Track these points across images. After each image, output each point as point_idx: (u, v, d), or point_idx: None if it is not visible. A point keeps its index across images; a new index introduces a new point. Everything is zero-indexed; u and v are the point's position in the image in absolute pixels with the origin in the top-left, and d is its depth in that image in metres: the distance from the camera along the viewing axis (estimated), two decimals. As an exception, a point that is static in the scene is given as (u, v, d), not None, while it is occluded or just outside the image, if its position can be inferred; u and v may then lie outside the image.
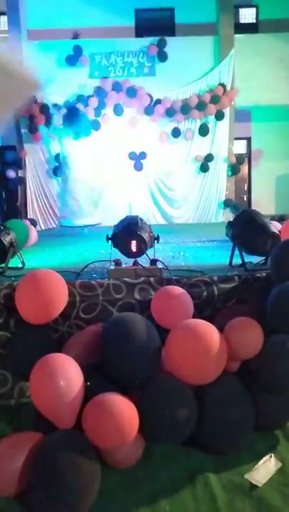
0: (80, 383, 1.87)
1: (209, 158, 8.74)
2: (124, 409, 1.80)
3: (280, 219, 5.45)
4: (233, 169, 8.92)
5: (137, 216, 3.00)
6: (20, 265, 3.22)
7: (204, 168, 8.78)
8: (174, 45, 8.61)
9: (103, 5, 9.05)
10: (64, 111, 8.18)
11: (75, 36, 8.96)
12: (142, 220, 2.94)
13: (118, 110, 8.48)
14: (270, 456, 2.01)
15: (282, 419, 2.20)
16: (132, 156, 8.73)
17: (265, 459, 2.00)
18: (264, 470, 1.93)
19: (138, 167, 8.74)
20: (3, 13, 8.97)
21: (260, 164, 9.85)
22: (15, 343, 2.40)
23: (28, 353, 2.23)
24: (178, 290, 2.36)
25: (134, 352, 2.00)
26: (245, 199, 10.05)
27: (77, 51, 8.54)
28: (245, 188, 10.09)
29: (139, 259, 2.84)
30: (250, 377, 2.10)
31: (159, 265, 2.76)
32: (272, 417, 2.15)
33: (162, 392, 1.94)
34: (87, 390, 1.91)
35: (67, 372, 1.84)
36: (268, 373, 2.02)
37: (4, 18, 9.02)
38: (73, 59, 8.58)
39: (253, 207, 8.83)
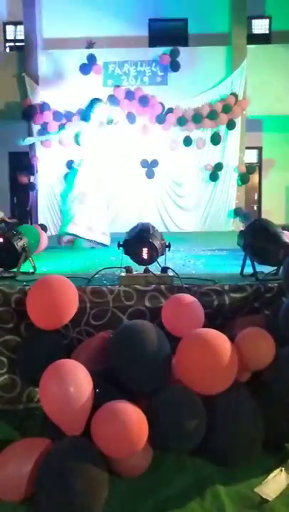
0: (90, 390, 1.86)
1: (219, 167, 8.75)
2: (133, 418, 1.79)
3: (291, 229, 5.41)
4: (243, 178, 8.92)
5: (149, 223, 3.01)
6: (31, 270, 3.25)
7: (214, 176, 8.80)
8: (186, 54, 8.69)
9: (117, 15, 9.20)
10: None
11: (89, 45, 9.10)
12: (153, 227, 2.95)
13: (130, 118, 8.56)
14: (281, 470, 1.97)
15: (293, 432, 2.16)
16: (144, 163, 8.78)
17: (275, 472, 1.96)
18: (274, 484, 1.90)
19: (150, 175, 8.79)
20: (21, 23, 9.16)
21: (270, 174, 9.83)
22: (25, 347, 2.41)
23: (37, 358, 2.24)
24: (189, 298, 2.35)
25: (143, 360, 1.99)
26: (255, 208, 10.02)
27: (91, 60, 8.67)
28: (256, 198, 10.07)
29: (149, 267, 2.84)
30: (261, 389, 2.08)
31: (170, 273, 2.75)
32: (283, 429, 2.12)
33: (171, 402, 1.92)
34: (96, 397, 1.90)
35: (77, 379, 1.83)
36: (279, 384, 2.00)
37: (21, 28, 9.21)
38: (87, 67, 8.70)
39: (263, 216, 8.79)
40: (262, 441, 2.05)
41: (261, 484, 1.89)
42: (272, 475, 1.94)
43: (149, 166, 8.73)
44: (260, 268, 2.94)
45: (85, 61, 8.67)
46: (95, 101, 5.99)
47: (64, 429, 1.85)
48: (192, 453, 2.00)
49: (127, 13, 9.24)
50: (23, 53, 8.87)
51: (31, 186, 8.64)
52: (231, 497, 1.82)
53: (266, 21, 9.61)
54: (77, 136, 5.95)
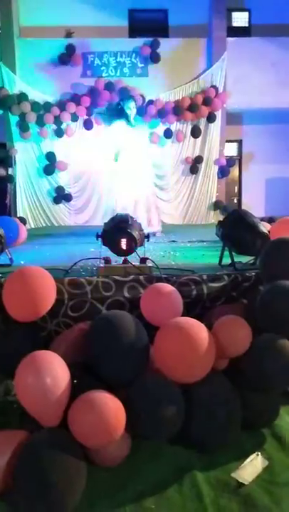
0: (67, 381, 1.84)
1: (199, 160, 8.77)
2: (110, 407, 1.78)
3: (270, 221, 5.49)
4: (224, 171, 8.97)
5: (128, 214, 3.00)
6: (8, 262, 3.19)
7: (194, 169, 8.81)
8: (166, 46, 8.61)
9: (97, 4, 9.01)
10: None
11: (68, 35, 8.91)
12: (132, 218, 2.94)
13: (110, 110, 8.46)
14: (257, 455, 2.01)
15: (269, 417, 2.21)
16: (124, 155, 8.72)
17: (252, 457, 2.00)
18: (251, 468, 1.93)
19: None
20: (-5, 10, 8.88)
21: (250, 167, 9.92)
22: (1, 340, 2.36)
23: (14, 350, 2.20)
24: (168, 288, 2.35)
25: (121, 350, 1.98)
26: (235, 201, 10.10)
27: (70, 50, 8.49)
28: (236, 190, 10.15)
29: (129, 258, 2.82)
30: (238, 376, 2.10)
31: (149, 263, 2.75)
32: (260, 415, 2.16)
33: (149, 390, 1.93)
34: (74, 389, 1.88)
35: (54, 370, 1.81)
36: (256, 371, 2.03)
37: (-4, 15, 8.93)
38: (66, 58, 8.52)
39: (244, 209, 8.88)
40: (239, 426, 2.08)
41: (238, 469, 1.93)
42: (248, 460, 1.98)
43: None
44: (238, 258, 2.97)
45: (64, 51, 8.49)
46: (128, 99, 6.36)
47: (41, 421, 1.83)
48: (171, 441, 2.02)
49: (107, 3, 9.06)
50: (0, 41, 8.63)
51: (9, 178, 8.45)
52: (209, 482, 1.85)
53: (246, 14, 9.62)
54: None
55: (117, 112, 7.53)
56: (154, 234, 5.82)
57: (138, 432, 1.94)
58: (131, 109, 6.34)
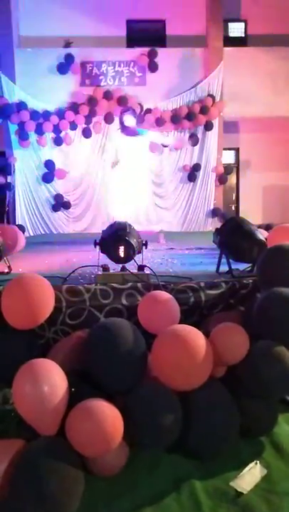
0: (64, 389, 1.84)
1: (197, 167, 8.83)
2: (108, 416, 1.77)
3: (267, 228, 5.52)
4: (221, 179, 9.03)
5: (126, 222, 3.01)
6: (6, 270, 3.19)
7: (192, 177, 8.87)
8: (164, 55, 8.72)
9: (95, 15, 9.13)
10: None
11: (67, 45, 9.02)
12: (130, 225, 2.95)
13: (109, 119, 8.53)
14: (256, 463, 2.00)
15: (267, 425, 2.20)
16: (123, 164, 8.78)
17: (250, 465, 1.99)
18: (249, 477, 1.92)
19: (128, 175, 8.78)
20: (-5, 20, 8.99)
21: (248, 174, 9.99)
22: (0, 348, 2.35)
23: (12, 358, 2.19)
24: (165, 295, 2.36)
25: (119, 358, 1.98)
26: (233, 208, 10.15)
27: (69, 59, 8.59)
28: (234, 198, 10.20)
29: (126, 265, 2.83)
30: (236, 383, 2.10)
31: (147, 271, 2.76)
32: (258, 423, 2.15)
33: (147, 398, 1.92)
34: (72, 397, 1.88)
35: (52, 378, 1.81)
36: (253, 379, 2.03)
37: (-4, 25, 9.03)
38: (64, 67, 8.61)
39: (241, 216, 8.92)
40: (237, 434, 2.07)
41: (236, 478, 1.92)
42: (247, 468, 1.97)
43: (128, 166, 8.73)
44: (235, 265, 2.98)
45: (63, 60, 8.59)
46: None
47: (38, 430, 1.82)
48: (168, 449, 2.01)
49: (105, 14, 9.20)
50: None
51: (8, 186, 8.48)
52: (207, 491, 1.84)
53: (242, 25, 9.77)
54: None
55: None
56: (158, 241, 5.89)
57: (136, 441, 1.93)
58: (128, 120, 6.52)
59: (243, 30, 9.80)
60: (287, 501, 1.79)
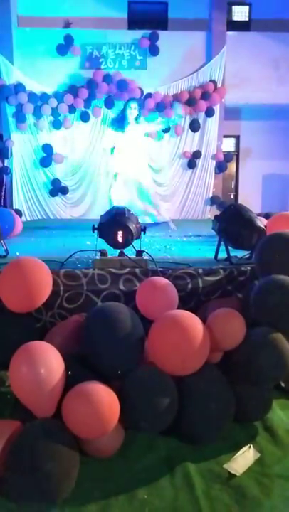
0: (61, 372, 1.84)
1: (197, 154, 8.75)
2: (104, 398, 1.79)
3: (266, 217, 5.50)
4: (221, 167, 8.96)
5: (124, 207, 2.99)
6: (3, 253, 3.17)
7: (192, 164, 8.79)
8: (166, 39, 8.54)
9: (96, -5, 8.93)
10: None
11: (67, 25, 8.80)
12: (129, 210, 2.93)
13: (109, 103, 8.39)
14: (249, 447, 2.03)
15: (261, 410, 2.23)
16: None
17: (244, 449, 2.02)
18: (242, 460, 1.95)
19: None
20: (-7, -2, 8.75)
21: (248, 162, 9.91)
22: (-4, 330, 2.35)
23: (9, 341, 2.19)
24: (163, 281, 2.35)
25: (116, 341, 1.99)
26: (232, 197, 10.10)
27: (68, 41, 8.39)
28: (233, 186, 10.14)
29: (125, 250, 2.82)
30: (232, 369, 2.12)
31: (145, 256, 2.75)
32: (252, 408, 2.17)
33: (143, 382, 1.93)
34: (68, 380, 1.88)
35: (48, 360, 1.81)
36: (249, 365, 2.04)
37: (-6, 4, 8.80)
38: (64, 48, 8.42)
39: (240, 203, 8.87)
40: (231, 419, 2.10)
41: (230, 461, 1.95)
42: (240, 452, 2.00)
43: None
44: (234, 252, 2.98)
45: (62, 41, 8.40)
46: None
47: (35, 412, 1.83)
48: (163, 432, 2.03)
49: (106, -6, 9.00)
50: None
51: (5, 170, 8.38)
52: (201, 473, 1.87)
53: (246, 8, 9.55)
54: None
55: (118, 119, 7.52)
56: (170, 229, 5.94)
57: (131, 424, 1.95)
58: (132, 109, 6.41)
59: (247, 14, 9.59)
60: (278, 484, 1.83)
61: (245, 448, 2.02)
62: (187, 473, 1.86)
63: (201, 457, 1.96)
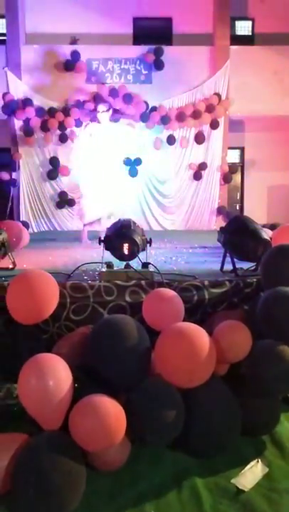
0: (69, 384, 1.85)
1: (203, 166, 8.82)
2: (111, 411, 1.79)
3: (272, 228, 5.50)
4: (226, 178, 9.01)
5: (130, 219, 3.02)
6: (11, 266, 3.21)
7: (197, 176, 8.86)
8: (170, 53, 8.70)
9: (102, 12, 9.12)
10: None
11: (73, 42, 9.01)
12: (134, 223, 2.96)
13: (114, 116, 8.53)
14: (257, 461, 2.01)
15: (269, 423, 2.20)
16: (127, 162, 8.77)
17: (252, 463, 2.00)
18: (251, 475, 1.93)
19: (133, 173, 8.77)
20: (2, 16, 8.99)
21: (252, 174, 9.96)
22: (4, 343, 2.37)
23: (17, 353, 2.21)
24: (169, 292, 2.37)
25: (123, 354, 1.99)
26: (237, 208, 10.13)
27: (75, 56, 8.59)
28: (238, 197, 10.18)
29: (131, 263, 2.84)
30: (238, 381, 2.11)
31: (151, 268, 2.77)
32: (260, 421, 2.15)
33: (150, 395, 1.93)
34: (76, 392, 1.89)
35: (57, 373, 1.82)
36: (256, 377, 2.03)
37: (3, 21, 9.04)
38: (70, 64, 8.61)
39: (245, 215, 8.88)
40: (239, 433, 2.08)
41: (238, 475, 1.92)
42: (248, 466, 1.98)
43: (132, 165, 8.71)
44: (240, 264, 2.98)
45: (69, 57, 8.59)
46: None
47: (42, 424, 1.83)
48: (170, 446, 2.02)
49: (112, 11, 9.19)
50: (6, 47, 8.73)
51: (13, 182, 8.50)
52: (208, 488, 1.85)
53: (249, 23, 9.73)
54: None
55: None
56: None
57: (138, 437, 1.94)
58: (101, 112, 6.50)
59: (250, 29, 9.75)
60: (287, 499, 1.80)
61: (253, 462, 2.00)
62: (195, 487, 1.84)
63: (208, 472, 1.94)
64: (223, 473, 1.95)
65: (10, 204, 8.57)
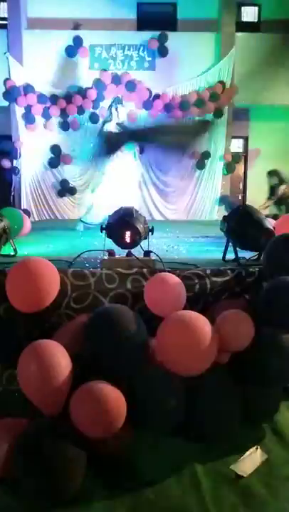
0: (69, 371, 1.86)
1: (206, 155, 8.74)
2: (111, 398, 1.79)
3: (275, 218, 5.46)
4: (229, 168, 8.94)
5: (132, 207, 2.99)
6: (12, 253, 3.20)
7: (200, 165, 8.78)
8: (175, 40, 8.55)
9: (106, -4, 8.98)
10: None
11: (76, 27, 8.85)
12: (136, 211, 2.93)
13: (117, 102, 8.43)
14: (257, 448, 2.03)
15: (269, 412, 2.21)
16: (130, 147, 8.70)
17: (251, 450, 2.01)
18: (250, 461, 1.95)
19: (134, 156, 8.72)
20: (4, 0, 8.83)
21: (256, 164, 9.87)
22: (4, 330, 2.38)
23: (17, 340, 2.21)
24: (172, 277, 2.35)
25: (119, 343, 1.99)
26: (240, 198, 10.07)
27: (77, 42, 8.45)
28: (241, 187, 10.10)
29: (132, 251, 2.82)
30: (240, 370, 2.11)
31: (153, 256, 2.75)
32: (260, 409, 2.16)
33: (151, 381, 1.94)
34: (75, 379, 1.89)
35: (56, 359, 1.83)
36: (257, 366, 2.03)
37: (4, 5, 8.88)
38: (73, 50, 8.48)
39: (249, 204, 8.82)
40: (239, 420, 2.09)
41: (237, 462, 1.94)
42: (248, 453, 1.99)
43: (134, 154, 8.66)
44: (242, 253, 2.96)
45: (71, 43, 8.45)
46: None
47: (42, 409, 1.84)
48: (171, 432, 2.03)
49: (115, -4, 9.05)
50: (7, 32, 8.59)
51: (14, 170, 8.45)
52: (208, 474, 1.87)
53: (256, 9, 9.52)
54: None
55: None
56: None
57: (138, 423, 1.95)
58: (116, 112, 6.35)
59: (257, 15, 9.55)
60: (286, 485, 1.82)
61: (253, 449, 2.02)
62: (194, 473, 1.86)
63: (208, 458, 1.96)
64: (223, 459, 1.97)
65: (12, 192, 8.53)
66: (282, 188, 6.49)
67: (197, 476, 1.85)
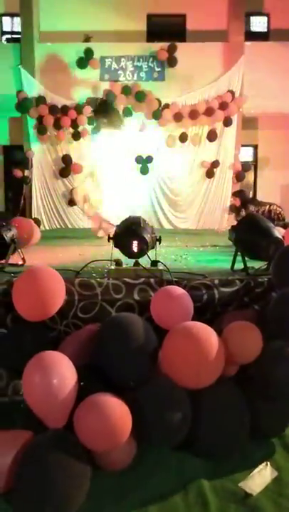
0: (74, 382, 1.83)
1: (215, 164, 8.73)
2: (116, 411, 1.76)
3: (284, 226, 5.40)
4: (239, 176, 8.90)
5: (140, 217, 2.99)
6: (20, 262, 3.21)
7: (210, 174, 8.77)
8: (184, 50, 8.61)
9: (115, 9, 9.09)
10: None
11: (87, 39, 9.01)
12: (144, 220, 2.93)
13: (127, 114, 8.50)
14: (266, 465, 1.96)
15: (279, 426, 2.15)
16: (139, 159, 8.73)
17: (260, 467, 1.95)
18: (259, 479, 1.88)
19: (144, 171, 8.74)
20: (17, 15, 9.05)
21: (265, 172, 9.82)
22: (11, 339, 2.37)
23: (24, 350, 2.20)
24: (178, 290, 2.32)
25: (129, 353, 1.97)
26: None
27: (88, 54, 8.58)
28: (251, 196, 10.04)
29: (140, 260, 2.81)
30: (248, 383, 2.06)
31: (160, 266, 2.73)
32: (269, 424, 2.10)
33: (156, 395, 1.90)
34: (81, 391, 1.87)
35: (61, 371, 1.81)
36: (266, 379, 1.98)
37: (18, 20, 9.09)
38: (84, 62, 8.62)
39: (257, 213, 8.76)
40: (248, 435, 2.03)
41: (246, 479, 1.88)
42: (257, 469, 1.93)
43: (144, 162, 8.68)
44: (251, 263, 2.92)
45: (82, 55, 8.59)
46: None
47: (46, 422, 1.82)
48: (177, 447, 1.98)
49: (125, 8, 9.16)
50: (20, 45, 8.78)
51: (26, 180, 8.56)
52: (215, 491, 1.81)
53: (264, 19, 9.57)
54: None
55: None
56: None
57: (144, 437, 1.91)
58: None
59: (266, 25, 9.59)
60: (297, 505, 1.75)
61: (262, 466, 1.95)
62: (201, 490, 1.80)
63: (215, 474, 1.91)
64: (231, 476, 1.91)
65: (22, 201, 8.63)
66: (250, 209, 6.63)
67: (204, 492, 1.79)
